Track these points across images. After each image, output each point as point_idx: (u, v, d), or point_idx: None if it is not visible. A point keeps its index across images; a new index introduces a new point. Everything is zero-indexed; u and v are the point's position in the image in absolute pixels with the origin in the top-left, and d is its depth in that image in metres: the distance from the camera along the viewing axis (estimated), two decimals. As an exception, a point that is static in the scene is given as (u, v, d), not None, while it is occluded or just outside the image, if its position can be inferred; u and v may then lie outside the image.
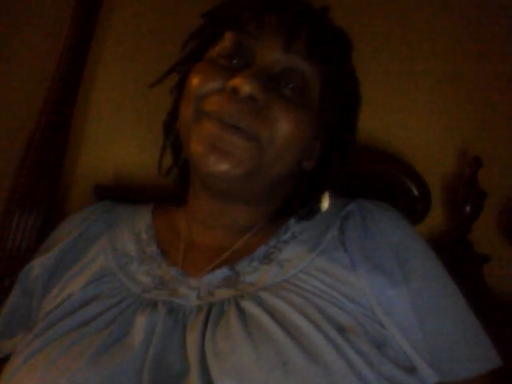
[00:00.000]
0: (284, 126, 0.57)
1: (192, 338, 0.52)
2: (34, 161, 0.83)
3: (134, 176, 0.93)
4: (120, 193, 0.87)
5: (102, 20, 0.92)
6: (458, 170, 0.86)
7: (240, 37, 0.60)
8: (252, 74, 0.56)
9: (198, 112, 0.58)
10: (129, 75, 0.95)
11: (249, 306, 0.53)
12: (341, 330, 0.51)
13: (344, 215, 0.63)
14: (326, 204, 0.65)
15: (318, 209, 0.65)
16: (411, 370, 0.54)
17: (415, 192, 0.81)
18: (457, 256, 0.77)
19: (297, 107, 0.58)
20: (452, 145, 0.87)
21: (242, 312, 0.53)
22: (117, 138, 0.94)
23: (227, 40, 0.61)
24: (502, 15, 0.87)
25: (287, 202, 0.67)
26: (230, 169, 0.55)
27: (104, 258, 0.65)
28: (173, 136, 0.69)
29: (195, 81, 0.59)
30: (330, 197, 0.67)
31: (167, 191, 0.76)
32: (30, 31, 0.96)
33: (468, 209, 0.81)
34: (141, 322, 0.55)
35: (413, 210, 0.79)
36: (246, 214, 0.64)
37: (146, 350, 0.52)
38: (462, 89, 0.88)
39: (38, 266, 0.66)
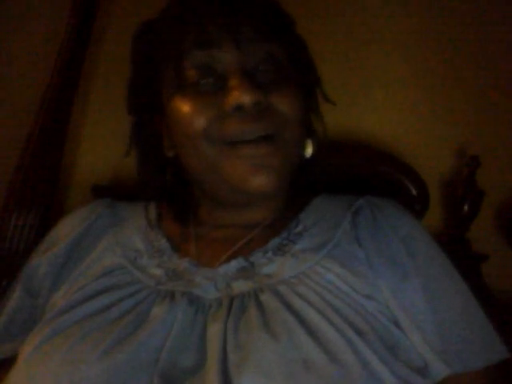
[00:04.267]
0: (285, 105, 0.59)
1: (214, 330, 0.52)
2: (32, 161, 0.83)
3: (132, 177, 0.93)
4: (118, 193, 0.87)
5: (99, 21, 0.92)
6: (456, 169, 0.86)
7: (197, 59, 0.59)
8: (244, 83, 0.56)
9: (214, 142, 0.58)
10: (126, 76, 0.95)
11: (268, 301, 0.54)
12: (357, 331, 0.51)
13: (354, 210, 0.64)
14: (309, 150, 0.66)
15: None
16: (422, 370, 0.54)
17: (413, 191, 0.81)
18: (455, 255, 0.76)
19: (284, 83, 0.61)
20: (450, 144, 0.87)
21: (261, 306, 0.54)
22: (115, 138, 0.94)
23: (187, 69, 0.59)
24: (502, 14, 0.87)
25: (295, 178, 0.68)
26: (276, 182, 0.57)
27: (112, 254, 0.64)
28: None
29: (186, 118, 0.58)
30: (336, 193, 0.69)
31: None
32: (27, 33, 0.96)
33: (466, 208, 0.82)
34: (159, 312, 0.55)
35: (411, 209, 0.78)
36: (258, 212, 0.65)
37: (164, 341, 0.52)
38: (460, 88, 0.88)
39: (45, 263, 0.65)
